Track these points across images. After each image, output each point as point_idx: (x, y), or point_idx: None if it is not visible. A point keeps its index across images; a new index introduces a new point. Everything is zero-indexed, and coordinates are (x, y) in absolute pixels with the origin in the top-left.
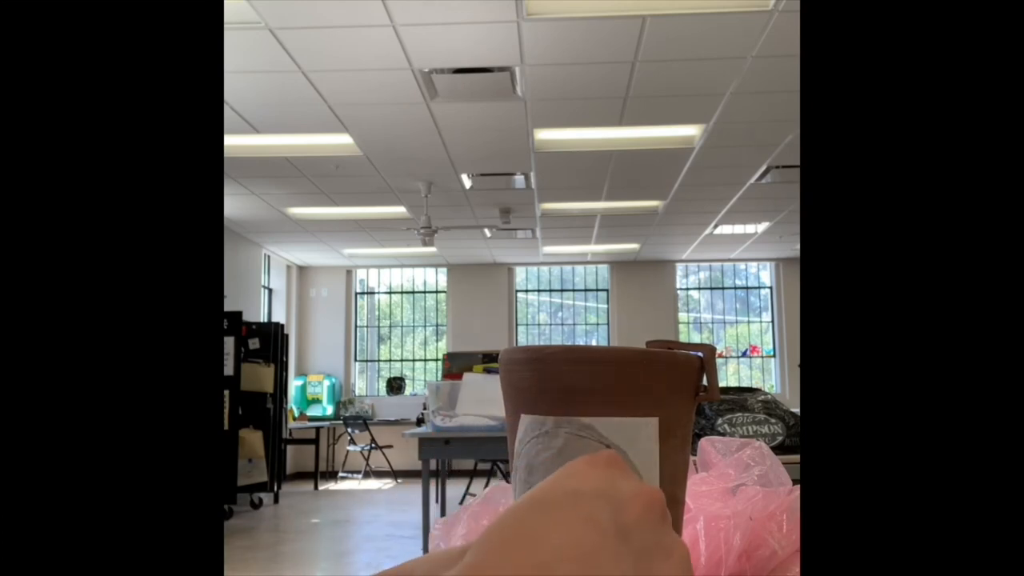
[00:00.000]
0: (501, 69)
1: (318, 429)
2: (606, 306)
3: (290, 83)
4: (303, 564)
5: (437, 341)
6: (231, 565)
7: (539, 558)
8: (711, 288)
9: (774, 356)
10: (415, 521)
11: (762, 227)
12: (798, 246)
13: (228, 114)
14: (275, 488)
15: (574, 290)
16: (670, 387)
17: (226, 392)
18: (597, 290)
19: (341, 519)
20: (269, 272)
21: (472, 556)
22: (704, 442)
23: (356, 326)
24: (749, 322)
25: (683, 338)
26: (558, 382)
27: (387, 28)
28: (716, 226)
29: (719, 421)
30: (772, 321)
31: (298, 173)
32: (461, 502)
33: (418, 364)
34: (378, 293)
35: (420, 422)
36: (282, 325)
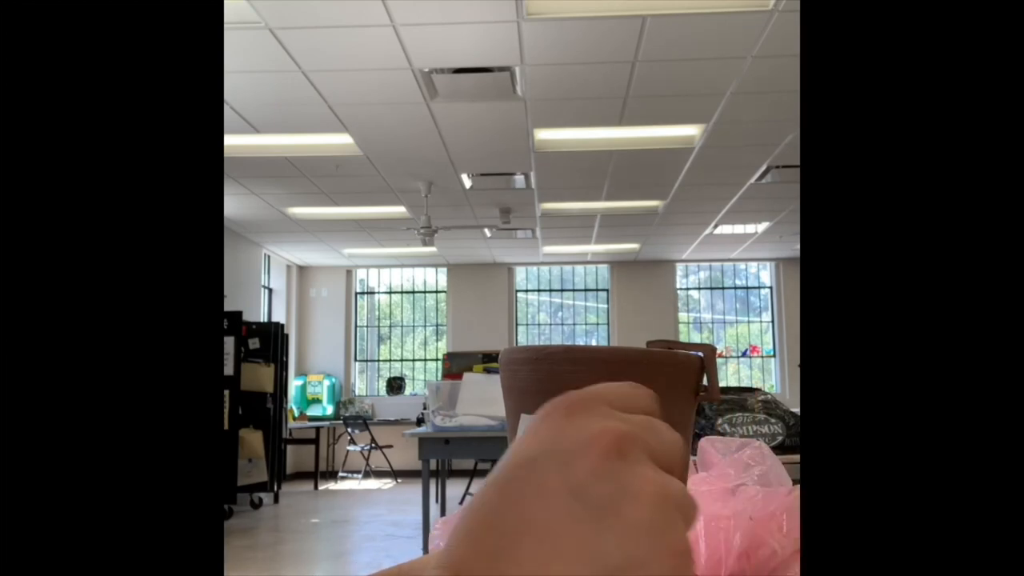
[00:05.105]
0: (501, 69)
1: (318, 429)
2: (606, 306)
3: (290, 83)
4: (303, 564)
5: (437, 341)
6: (231, 565)
7: (497, 543)
8: (711, 288)
9: (774, 356)
10: (415, 521)
11: (762, 227)
12: (798, 246)
13: (228, 114)
14: (275, 488)
15: (574, 290)
16: (670, 387)
17: (226, 392)
18: (597, 290)
19: (341, 519)
20: (269, 272)
21: (445, 548)
22: (704, 442)
23: (356, 326)
24: (749, 322)
25: (683, 338)
26: (558, 382)
27: (387, 28)
28: (716, 226)
29: (719, 421)
30: (772, 321)
31: (298, 173)
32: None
33: (418, 364)
34: (378, 293)
35: (420, 422)
36: (282, 325)
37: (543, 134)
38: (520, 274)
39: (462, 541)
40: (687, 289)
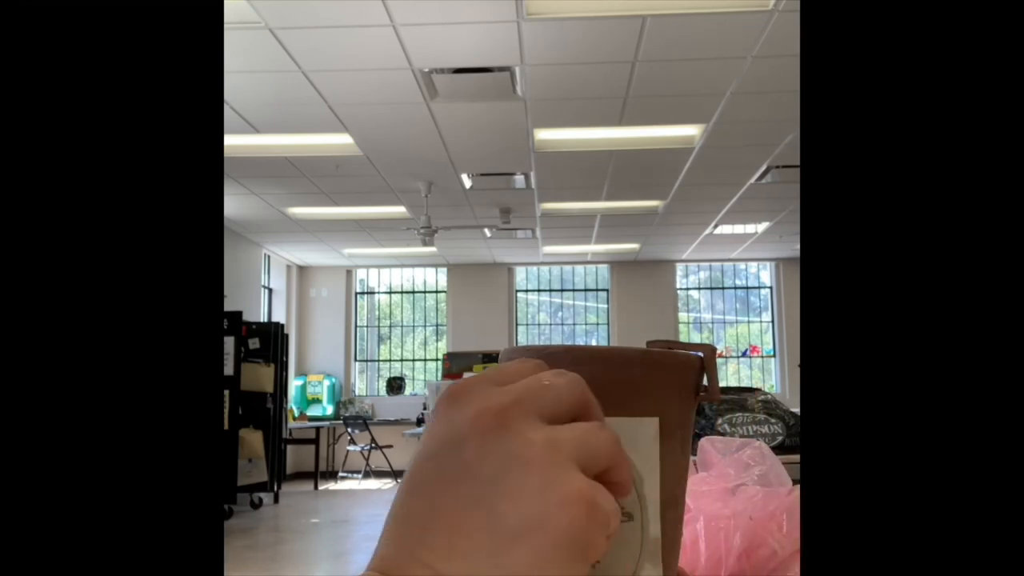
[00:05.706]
0: (501, 69)
1: (318, 429)
2: (606, 306)
3: (290, 83)
4: (303, 564)
5: (437, 341)
6: (231, 565)
7: (411, 535)
8: (711, 288)
9: (774, 356)
10: None
11: (762, 227)
12: (798, 246)
13: (228, 114)
14: (275, 488)
15: (574, 290)
16: (670, 387)
17: (226, 392)
18: (597, 290)
19: (341, 519)
20: (269, 272)
21: (375, 550)
22: (704, 442)
23: (356, 326)
24: (749, 322)
25: (683, 338)
26: None
27: (387, 28)
28: (716, 226)
29: (719, 421)
30: (772, 321)
31: (298, 173)
32: None
33: (418, 364)
34: (378, 293)
35: (420, 422)
36: (282, 325)
37: (543, 134)
38: (520, 274)
39: (383, 541)
40: (687, 289)
